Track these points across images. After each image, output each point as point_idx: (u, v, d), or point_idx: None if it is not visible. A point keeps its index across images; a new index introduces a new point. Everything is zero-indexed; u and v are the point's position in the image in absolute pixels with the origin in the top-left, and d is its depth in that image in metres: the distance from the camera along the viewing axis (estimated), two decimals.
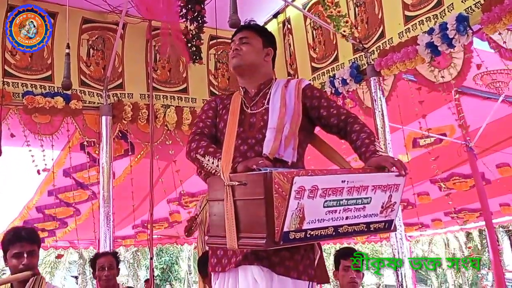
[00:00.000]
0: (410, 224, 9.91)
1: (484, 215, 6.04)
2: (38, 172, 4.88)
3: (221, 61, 5.70)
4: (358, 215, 1.93)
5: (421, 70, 4.47)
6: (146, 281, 9.94)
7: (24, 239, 2.77)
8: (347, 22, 4.24)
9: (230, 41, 2.49)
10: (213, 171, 2.08)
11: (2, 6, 4.54)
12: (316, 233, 1.84)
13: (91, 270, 4.57)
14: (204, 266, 4.00)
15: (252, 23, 2.47)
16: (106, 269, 4.30)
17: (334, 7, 4.25)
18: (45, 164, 4.84)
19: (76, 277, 22.20)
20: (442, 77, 4.31)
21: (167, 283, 23.28)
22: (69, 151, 5.31)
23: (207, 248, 4.62)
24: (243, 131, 2.23)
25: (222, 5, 4.37)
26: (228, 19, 3.08)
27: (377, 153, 2.05)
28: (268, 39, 2.45)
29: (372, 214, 1.97)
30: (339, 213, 1.87)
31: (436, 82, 4.40)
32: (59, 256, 12.77)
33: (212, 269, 2.20)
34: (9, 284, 2.76)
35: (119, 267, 4.49)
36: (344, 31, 4.21)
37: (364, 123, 2.25)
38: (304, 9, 5.10)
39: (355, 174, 1.93)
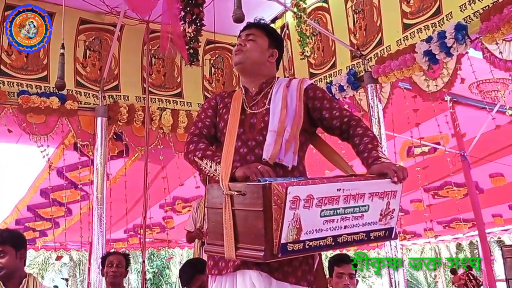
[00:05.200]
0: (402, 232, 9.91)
1: (478, 225, 6.05)
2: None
3: (216, 67, 5.68)
4: (357, 224, 1.90)
5: (415, 79, 4.47)
6: None
7: None
8: (309, 43, 4.23)
9: (226, 45, 2.45)
10: (211, 175, 2.05)
11: None
12: (315, 244, 1.81)
13: (100, 268, 4.53)
14: (183, 273, 3.97)
15: (261, 22, 2.44)
16: (115, 265, 4.32)
17: (308, 25, 4.26)
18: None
19: (67, 280, 22.02)
20: (436, 85, 4.31)
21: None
22: (63, 150, 5.29)
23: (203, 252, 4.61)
24: (244, 132, 2.18)
25: (220, 10, 4.38)
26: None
27: (380, 159, 2.01)
28: (274, 40, 2.41)
29: (371, 222, 1.94)
30: (337, 222, 1.84)
31: (428, 92, 4.40)
32: (58, 258, 12.67)
33: (209, 271, 2.16)
34: (1, 284, 2.72)
35: (128, 269, 4.49)
36: (306, 51, 4.19)
37: (367, 126, 2.21)
38: None
39: (350, 182, 1.89)
